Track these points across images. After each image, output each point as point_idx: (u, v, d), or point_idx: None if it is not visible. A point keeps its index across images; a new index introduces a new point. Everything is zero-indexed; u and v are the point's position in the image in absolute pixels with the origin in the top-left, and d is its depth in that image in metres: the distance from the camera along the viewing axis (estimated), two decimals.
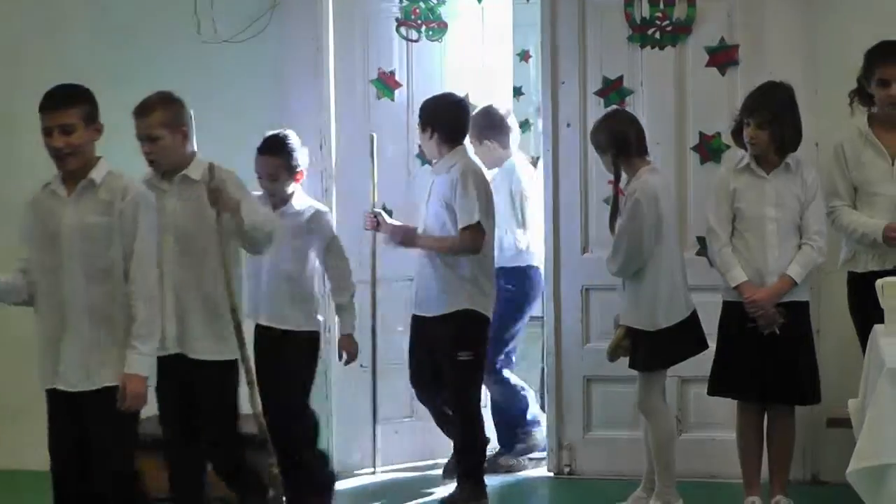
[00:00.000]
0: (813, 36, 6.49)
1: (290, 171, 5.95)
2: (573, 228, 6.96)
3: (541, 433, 7.16)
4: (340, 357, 6.22)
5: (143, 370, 4.81)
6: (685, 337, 6.08)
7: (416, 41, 7.04)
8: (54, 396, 4.90)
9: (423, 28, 7.03)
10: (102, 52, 6.92)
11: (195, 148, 5.43)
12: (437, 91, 6.80)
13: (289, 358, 5.93)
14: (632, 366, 6.11)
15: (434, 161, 6.31)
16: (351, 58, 6.96)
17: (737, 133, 5.93)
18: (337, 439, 6.93)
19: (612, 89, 6.78)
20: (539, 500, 6.93)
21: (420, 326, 6.40)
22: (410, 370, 6.51)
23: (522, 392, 7.17)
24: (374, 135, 6.64)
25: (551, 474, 7.04)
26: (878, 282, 4.92)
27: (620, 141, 5.99)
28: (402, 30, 7.02)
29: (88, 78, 6.45)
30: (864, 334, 5.72)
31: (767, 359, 5.83)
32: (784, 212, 5.83)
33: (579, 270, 6.89)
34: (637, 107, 6.78)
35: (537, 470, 7.17)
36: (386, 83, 6.99)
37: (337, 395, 6.94)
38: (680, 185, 6.78)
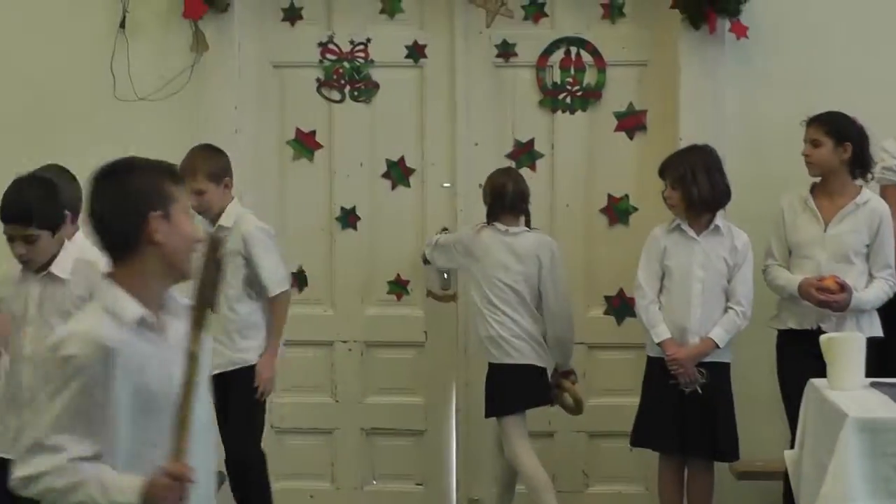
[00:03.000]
0: (721, 105, 6.66)
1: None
2: None
3: None
4: None
5: None
6: (509, 386, 6.34)
7: (339, 102, 6.94)
8: None
9: (348, 88, 6.94)
10: (17, 108, 6.82)
11: None
12: (361, 151, 6.93)
13: None
14: None
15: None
16: (268, 118, 6.96)
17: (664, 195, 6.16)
18: None
19: (523, 151, 6.92)
20: None
21: None
22: None
23: None
24: None
25: None
26: (822, 337, 5.17)
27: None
28: (324, 90, 6.94)
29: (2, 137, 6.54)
30: (784, 387, 6.09)
31: (688, 415, 6.02)
32: (710, 273, 6.05)
33: None
34: (547, 169, 6.94)
35: None
36: (305, 143, 6.96)
37: None
38: (588, 247, 6.95)
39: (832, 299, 5.95)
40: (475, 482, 6.99)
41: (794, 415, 5.88)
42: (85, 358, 3.19)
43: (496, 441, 6.52)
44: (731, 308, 6.05)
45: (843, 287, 5.94)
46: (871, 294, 6.05)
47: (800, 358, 5.90)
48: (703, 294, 6.03)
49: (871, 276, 6.09)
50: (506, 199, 6.37)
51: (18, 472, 3.23)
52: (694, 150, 6.17)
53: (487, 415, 6.38)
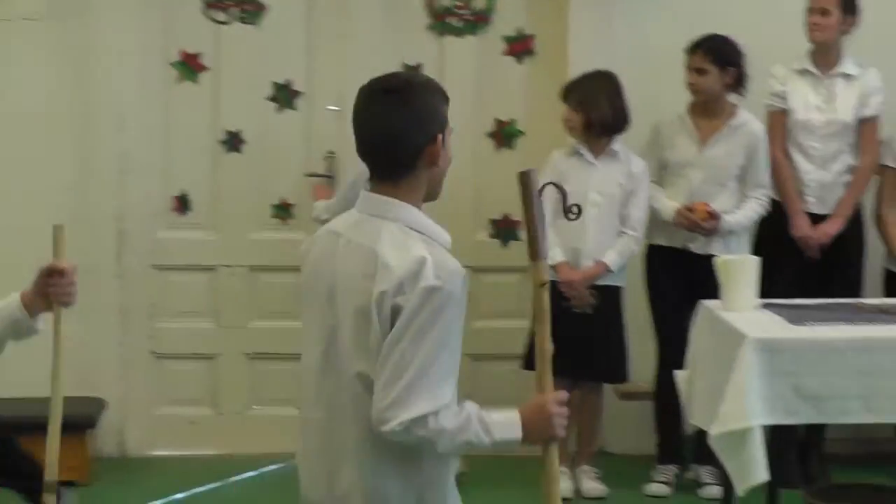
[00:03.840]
0: (610, 31, 6.72)
1: None
2: None
3: None
4: None
5: None
6: None
7: (225, 23, 6.79)
8: None
9: (235, 10, 6.78)
10: None
11: None
12: (248, 74, 6.80)
13: None
14: None
15: None
16: (153, 39, 6.79)
17: None
18: None
19: None
20: None
21: None
22: None
23: None
24: None
25: None
26: (716, 260, 5.23)
27: None
28: (210, 12, 6.78)
29: None
30: (653, 304, 6.34)
31: (580, 337, 6.05)
32: (606, 197, 6.10)
33: None
34: None
35: None
36: (190, 65, 6.81)
37: None
38: (474, 170, 6.93)
39: (701, 225, 6.09)
40: None
41: (662, 331, 6.08)
42: (449, 288, 2.99)
43: None
44: (624, 233, 6.13)
45: (712, 215, 6.08)
46: (741, 216, 6.20)
47: (665, 277, 6.21)
48: (597, 218, 6.09)
49: (744, 196, 6.23)
50: None
51: (404, 414, 2.94)
52: (597, 74, 6.22)
53: None
